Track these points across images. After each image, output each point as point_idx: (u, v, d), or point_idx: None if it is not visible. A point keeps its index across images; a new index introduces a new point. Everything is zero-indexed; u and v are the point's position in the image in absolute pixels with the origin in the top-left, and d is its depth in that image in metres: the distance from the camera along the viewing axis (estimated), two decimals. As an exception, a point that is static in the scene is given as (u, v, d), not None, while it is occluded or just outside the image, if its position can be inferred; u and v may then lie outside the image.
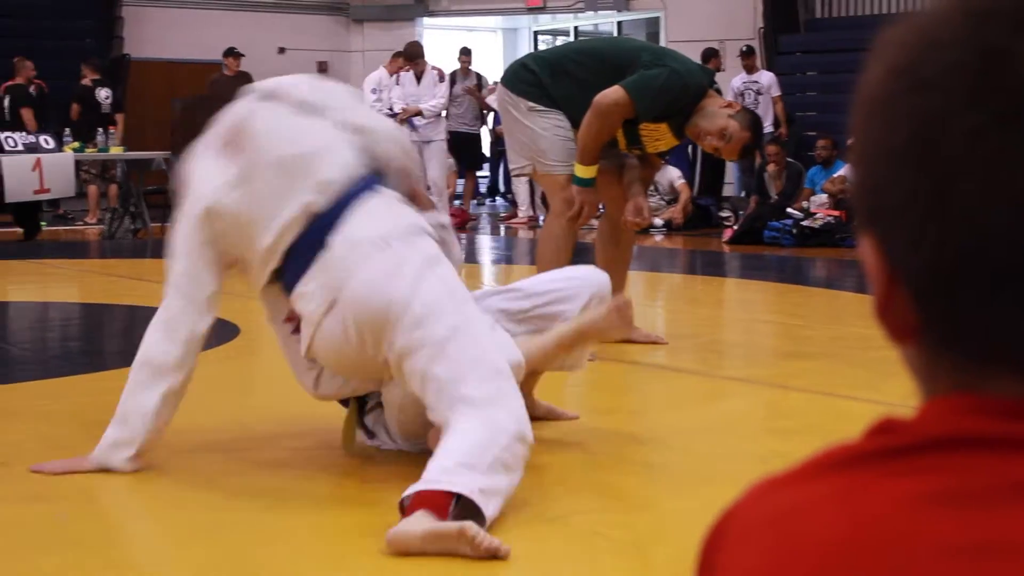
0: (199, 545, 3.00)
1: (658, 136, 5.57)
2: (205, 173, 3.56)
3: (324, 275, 3.40)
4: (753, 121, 5.57)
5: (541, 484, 3.49)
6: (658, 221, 14.07)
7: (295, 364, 3.67)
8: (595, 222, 6.65)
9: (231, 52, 15.84)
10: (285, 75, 3.91)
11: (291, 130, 3.59)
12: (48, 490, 3.43)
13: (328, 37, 20.81)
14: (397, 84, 14.48)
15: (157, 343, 3.57)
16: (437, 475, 2.96)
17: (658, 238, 13.54)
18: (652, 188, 14.31)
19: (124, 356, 4.66)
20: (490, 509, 2.96)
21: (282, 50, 19.87)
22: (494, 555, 2.77)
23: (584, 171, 5.45)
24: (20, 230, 13.29)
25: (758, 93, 15.08)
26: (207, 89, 15.87)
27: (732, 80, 15.31)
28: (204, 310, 3.58)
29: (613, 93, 5.34)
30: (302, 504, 3.32)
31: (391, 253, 3.38)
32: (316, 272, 3.42)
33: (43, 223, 13.78)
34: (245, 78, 15.86)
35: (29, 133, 13.31)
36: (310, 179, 3.48)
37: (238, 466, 3.69)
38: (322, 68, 20.27)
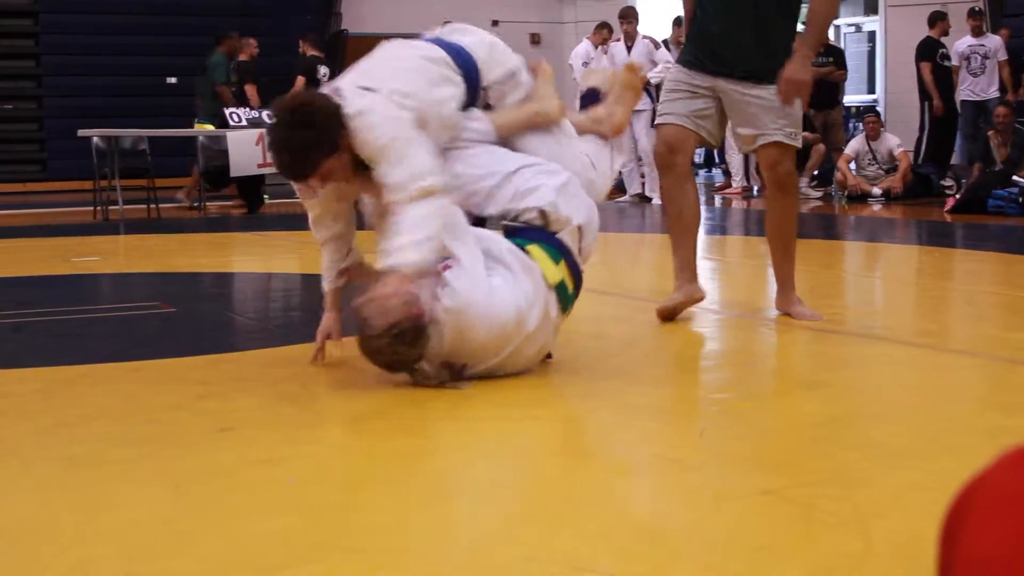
0: (430, 510, 3.05)
1: None
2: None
3: None
4: None
5: (756, 456, 3.45)
6: (876, 191, 13.75)
7: None
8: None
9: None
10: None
11: None
12: (273, 454, 3.52)
13: (541, 9, 20.86)
14: (605, 55, 14.39)
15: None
16: None
17: (876, 208, 13.23)
18: (871, 157, 13.98)
19: (344, 325, 4.77)
20: None
21: (495, 23, 20.00)
22: None
23: None
24: (244, 203, 13.72)
25: (984, 57, 14.57)
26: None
27: (956, 43, 14.81)
28: None
29: None
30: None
31: None
32: None
33: (266, 196, 14.17)
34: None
35: (252, 108, 13.69)
36: None
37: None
38: (535, 40, 20.34)
